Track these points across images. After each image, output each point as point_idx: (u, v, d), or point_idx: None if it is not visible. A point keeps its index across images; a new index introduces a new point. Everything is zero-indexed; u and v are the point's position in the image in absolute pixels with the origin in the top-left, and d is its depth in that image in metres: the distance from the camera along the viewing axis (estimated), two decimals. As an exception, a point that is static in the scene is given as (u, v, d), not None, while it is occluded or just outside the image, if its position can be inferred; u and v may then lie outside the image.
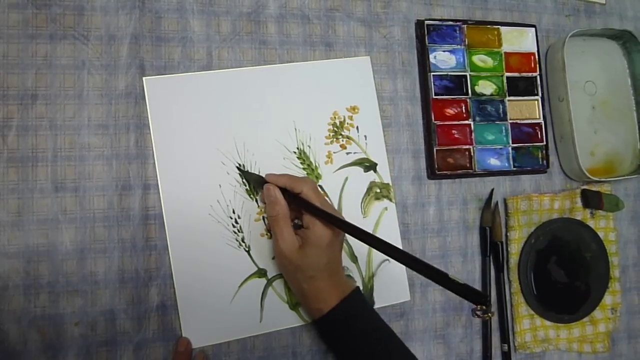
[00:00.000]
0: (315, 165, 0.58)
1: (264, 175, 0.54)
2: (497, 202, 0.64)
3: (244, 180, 0.56)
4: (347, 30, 0.62)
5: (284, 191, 0.51)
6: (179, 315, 0.53)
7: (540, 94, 0.67)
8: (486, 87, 0.65)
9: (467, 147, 0.63)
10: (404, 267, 0.60)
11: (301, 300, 0.53)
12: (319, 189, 0.52)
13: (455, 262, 0.62)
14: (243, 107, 0.57)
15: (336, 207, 0.58)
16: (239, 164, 0.55)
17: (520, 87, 0.67)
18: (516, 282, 0.63)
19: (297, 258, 0.49)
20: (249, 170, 0.55)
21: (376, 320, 0.51)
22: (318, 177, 0.58)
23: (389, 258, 0.58)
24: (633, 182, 0.71)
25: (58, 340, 0.50)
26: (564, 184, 0.68)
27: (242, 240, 0.55)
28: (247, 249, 0.55)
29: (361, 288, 0.58)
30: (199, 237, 0.54)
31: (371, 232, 0.59)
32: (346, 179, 0.59)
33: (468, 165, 0.63)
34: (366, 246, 0.58)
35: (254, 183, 0.55)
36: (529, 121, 0.66)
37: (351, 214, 0.59)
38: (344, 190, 0.59)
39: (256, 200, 0.56)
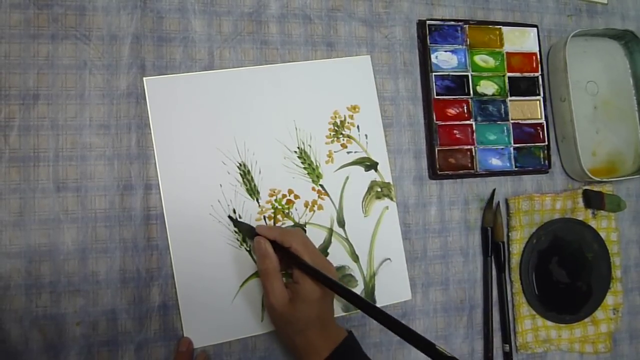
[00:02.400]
0: (316, 165, 0.58)
1: (254, 227, 0.54)
2: (498, 202, 0.64)
3: (244, 180, 0.56)
4: (349, 30, 0.62)
5: (275, 244, 0.50)
6: (180, 315, 0.53)
7: (542, 94, 0.67)
8: (488, 87, 0.65)
9: (468, 147, 0.63)
10: (405, 266, 0.60)
11: (293, 353, 0.52)
12: (309, 240, 0.52)
13: (457, 262, 0.62)
14: (244, 106, 0.57)
15: (337, 207, 0.58)
16: (232, 214, 0.55)
17: (522, 87, 0.66)
18: (518, 283, 0.63)
19: (287, 312, 0.48)
20: (240, 220, 0.55)
21: None
22: (319, 176, 0.58)
23: (390, 257, 0.59)
24: (635, 182, 0.71)
25: (59, 340, 0.50)
26: (565, 184, 0.68)
27: (243, 239, 0.55)
28: (248, 249, 0.55)
29: (362, 287, 0.58)
30: (200, 237, 0.54)
31: (372, 231, 0.59)
32: (347, 178, 0.59)
33: (469, 165, 0.63)
34: (367, 245, 0.58)
35: (245, 233, 0.55)
36: (531, 121, 0.66)
37: (352, 213, 0.59)
38: (344, 190, 0.59)
39: (257, 200, 0.56)
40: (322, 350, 0.48)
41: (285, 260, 0.51)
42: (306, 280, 0.48)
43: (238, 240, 0.55)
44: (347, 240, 0.58)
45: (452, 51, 0.64)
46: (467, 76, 0.64)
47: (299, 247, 0.49)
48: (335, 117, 0.60)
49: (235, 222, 0.55)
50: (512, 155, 0.65)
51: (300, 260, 0.49)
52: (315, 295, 0.48)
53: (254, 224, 0.56)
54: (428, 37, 0.63)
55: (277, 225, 0.56)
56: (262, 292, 0.55)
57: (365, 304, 0.47)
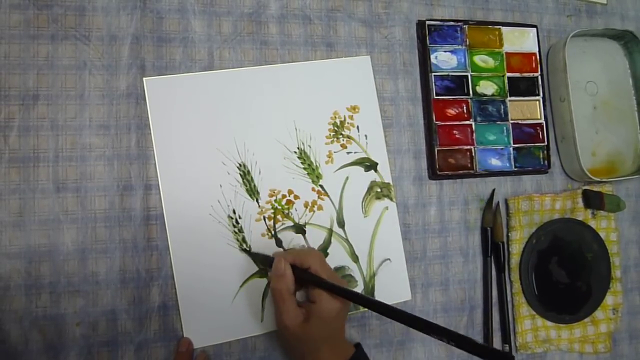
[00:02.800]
0: (316, 165, 0.58)
1: (272, 254, 0.54)
2: (498, 203, 0.64)
3: (244, 180, 0.56)
4: (348, 31, 0.62)
5: (292, 266, 0.50)
6: (180, 315, 0.53)
7: (541, 94, 0.67)
8: (487, 88, 0.65)
9: (468, 147, 0.63)
10: (405, 266, 0.60)
11: None
12: (325, 260, 0.52)
13: (456, 262, 0.62)
14: (243, 107, 0.57)
15: (337, 207, 0.58)
16: (248, 248, 0.55)
17: (522, 87, 0.67)
18: (517, 283, 0.63)
19: (301, 332, 0.48)
20: (255, 252, 0.55)
21: None
22: (319, 176, 0.58)
23: (390, 258, 0.59)
24: (634, 182, 0.71)
25: (59, 340, 0.50)
26: (565, 184, 0.68)
27: (243, 240, 0.55)
28: (248, 249, 0.55)
29: (362, 288, 0.58)
30: (200, 238, 0.54)
31: (372, 231, 0.59)
32: (347, 178, 0.59)
33: (469, 165, 0.63)
34: (367, 246, 0.58)
35: (261, 262, 0.55)
36: (530, 121, 0.66)
37: (352, 214, 0.59)
38: (344, 190, 0.59)
39: (257, 200, 0.56)
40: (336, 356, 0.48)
41: (301, 282, 0.51)
42: (323, 298, 0.48)
43: (238, 240, 0.55)
44: (346, 240, 0.58)
45: (451, 51, 0.64)
46: (467, 76, 0.64)
47: (317, 267, 0.49)
48: (335, 117, 0.60)
49: (251, 255, 0.55)
50: (511, 156, 0.65)
51: (319, 279, 0.49)
52: (332, 314, 0.48)
53: (254, 224, 0.56)
54: (428, 38, 0.63)
55: (277, 224, 0.56)
56: (262, 292, 0.55)
57: (396, 312, 0.47)
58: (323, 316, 0.48)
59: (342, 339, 0.52)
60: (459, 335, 0.42)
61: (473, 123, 0.64)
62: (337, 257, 0.57)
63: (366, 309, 0.58)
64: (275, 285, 0.49)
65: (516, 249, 0.63)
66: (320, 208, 0.58)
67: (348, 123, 0.60)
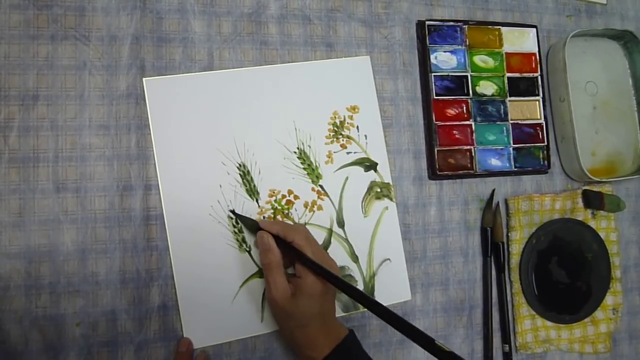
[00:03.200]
0: (316, 165, 0.58)
1: (257, 221, 0.54)
2: (498, 203, 0.64)
3: (244, 180, 0.56)
4: (348, 31, 0.62)
5: (277, 239, 0.51)
6: (180, 315, 0.53)
7: (541, 94, 0.67)
8: (487, 88, 0.65)
9: (468, 147, 0.63)
10: (404, 266, 0.60)
11: (293, 348, 0.53)
12: (312, 236, 0.52)
13: (456, 262, 0.62)
14: (243, 107, 0.57)
15: (337, 207, 0.58)
16: (232, 210, 0.55)
17: (521, 87, 0.67)
18: (517, 283, 0.63)
19: (289, 306, 0.48)
20: (243, 215, 0.55)
21: None
22: (318, 176, 0.58)
23: (390, 258, 0.59)
24: (634, 182, 0.71)
25: (59, 340, 0.50)
26: (565, 185, 0.68)
27: (243, 240, 0.55)
28: (247, 249, 0.55)
29: (362, 288, 0.58)
30: (199, 238, 0.54)
31: (372, 231, 0.59)
32: (347, 178, 0.59)
33: (469, 165, 0.63)
34: (367, 246, 0.58)
35: (248, 228, 0.55)
36: (530, 121, 0.66)
37: (352, 214, 0.59)
38: (344, 190, 0.59)
39: (256, 200, 0.56)
40: (322, 346, 0.48)
41: (288, 255, 0.51)
42: (308, 274, 0.48)
43: (238, 240, 0.55)
44: (346, 240, 0.58)
45: (451, 51, 0.64)
46: (467, 76, 0.64)
47: (301, 242, 0.49)
48: (335, 117, 0.60)
49: (238, 216, 0.55)
50: (511, 156, 0.65)
51: (302, 255, 0.49)
52: (317, 291, 0.48)
53: (254, 223, 0.56)
54: (427, 38, 0.64)
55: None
56: (262, 292, 0.55)
57: (366, 299, 0.47)
58: (309, 292, 0.48)
59: (332, 319, 0.51)
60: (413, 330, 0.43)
61: (473, 123, 0.64)
62: (337, 257, 0.57)
63: (366, 309, 0.58)
64: (263, 259, 0.50)
65: (516, 249, 0.64)
66: (320, 208, 0.58)
67: (348, 123, 0.60)
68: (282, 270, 0.50)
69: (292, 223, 0.56)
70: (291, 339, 0.51)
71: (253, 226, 0.54)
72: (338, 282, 0.48)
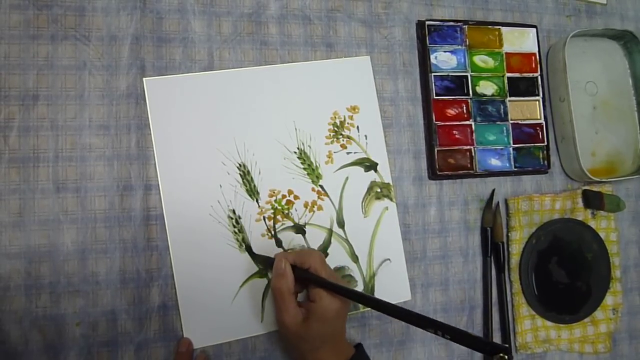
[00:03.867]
0: (316, 165, 0.58)
1: (273, 255, 0.54)
2: (498, 203, 0.64)
3: (244, 180, 0.56)
4: (348, 31, 0.62)
5: (293, 266, 0.51)
6: (180, 315, 0.53)
7: (541, 94, 0.67)
8: (487, 88, 0.65)
9: (468, 147, 0.63)
10: (404, 266, 0.60)
11: None
12: (326, 261, 0.52)
13: (456, 262, 0.62)
14: (243, 107, 0.57)
15: (337, 207, 0.58)
16: (248, 248, 0.55)
17: (521, 87, 0.67)
18: (517, 283, 0.63)
19: (301, 330, 0.48)
20: (257, 253, 0.55)
21: None
22: (318, 176, 0.58)
23: (389, 258, 0.59)
24: (634, 182, 0.71)
25: (59, 340, 0.50)
26: (565, 185, 0.68)
27: (243, 240, 0.55)
28: (248, 249, 0.55)
29: (362, 288, 0.58)
30: (199, 238, 0.54)
31: (372, 231, 0.59)
32: (347, 178, 0.59)
33: (469, 165, 0.63)
34: (367, 246, 0.58)
35: (261, 264, 0.55)
36: (530, 121, 0.66)
37: (352, 214, 0.59)
38: (344, 190, 0.59)
39: (257, 200, 0.56)
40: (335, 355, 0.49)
41: (302, 282, 0.51)
42: (323, 297, 0.49)
43: (238, 240, 0.55)
44: (346, 240, 0.58)
45: (451, 52, 0.64)
46: (467, 76, 0.64)
47: (317, 266, 0.50)
48: (335, 117, 0.60)
49: (253, 256, 0.55)
50: (511, 156, 0.65)
51: (319, 278, 0.49)
52: (331, 313, 0.49)
53: (254, 224, 0.56)
54: (427, 38, 0.64)
55: (277, 225, 0.56)
56: (262, 292, 0.55)
57: (399, 311, 0.47)
58: (323, 315, 0.48)
59: (342, 339, 0.52)
60: (456, 329, 0.42)
61: (473, 123, 0.64)
62: (337, 257, 0.58)
63: (366, 309, 0.58)
64: (275, 284, 0.50)
65: (516, 249, 0.64)
66: (320, 208, 0.58)
67: (348, 123, 0.60)
68: (293, 296, 0.50)
69: (305, 249, 0.57)
70: None
71: (266, 262, 0.55)
72: (358, 296, 0.50)
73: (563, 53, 0.64)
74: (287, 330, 0.49)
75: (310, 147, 0.59)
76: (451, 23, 0.65)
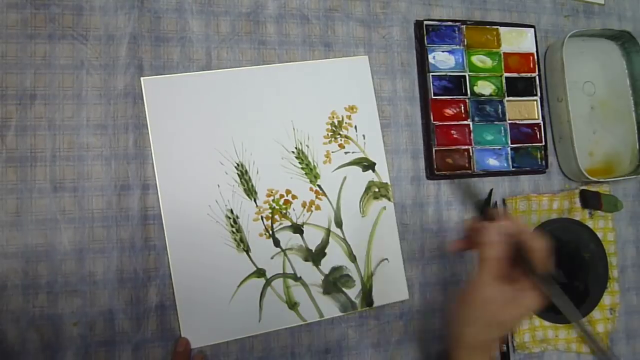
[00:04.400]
0: (314, 165, 0.58)
1: (492, 210, 0.49)
2: (496, 203, 0.64)
3: (241, 180, 0.56)
4: (346, 31, 0.62)
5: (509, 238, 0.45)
6: (177, 315, 0.53)
7: (539, 94, 0.67)
8: (485, 88, 0.65)
9: (466, 147, 0.63)
10: (402, 266, 0.60)
11: (452, 339, 0.47)
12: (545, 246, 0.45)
13: (455, 262, 0.62)
14: (241, 107, 0.57)
15: (334, 207, 0.58)
16: (246, 248, 0.54)
17: (519, 87, 0.67)
18: (515, 282, 0.63)
19: (482, 306, 0.44)
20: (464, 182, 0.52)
21: None
22: (316, 176, 0.58)
23: (387, 257, 0.59)
24: (632, 182, 0.71)
25: (56, 340, 0.50)
26: (562, 185, 0.68)
27: (241, 240, 0.55)
28: (245, 249, 0.55)
29: (360, 287, 0.58)
30: (197, 237, 0.54)
31: (370, 231, 0.59)
32: (344, 178, 0.59)
33: (467, 165, 0.63)
34: (365, 246, 0.58)
35: (470, 198, 0.53)
36: (528, 121, 0.66)
37: (350, 214, 0.59)
38: (342, 190, 0.59)
39: (254, 200, 0.56)
40: (480, 355, 0.45)
41: (516, 260, 0.45)
42: (528, 290, 0.45)
43: (236, 240, 0.55)
44: (344, 240, 0.58)
45: (449, 51, 0.64)
46: (465, 76, 0.64)
47: (539, 255, 0.45)
48: (333, 117, 0.60)
49: (462, 184, 0.54)
50: (509, 156, 0.65)
51: (538, 272, 0.45)
52: (523, 307, 0.45)
53: (251, 224, 0.56)
54: (425, 38, 0.64)
55: (274, 224, 0.56)
56: (260, 292, 0.55)
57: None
58: (515, 302, 0.44)
59: (495, 347, 0.48)
60: None
61: (471, 123, 0.64)
62: (334, 257, 0.58)
63: (364, 309, 0.58)
64: (483, 252, 0.45)
65: (514, 249, 0.63)
66: (318, 208, 0.58)
67: (346, 123, 0.60)
68: (496, 270, 0.44)
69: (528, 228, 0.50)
70: (458, 331, 0.46)
71: (478, 203, 0.51)
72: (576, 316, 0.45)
73: (561, 53, 0.64)
74: (473, 299, 0.45)
75: (308, 147, 0.58)
76: (449, 23, 0.65)
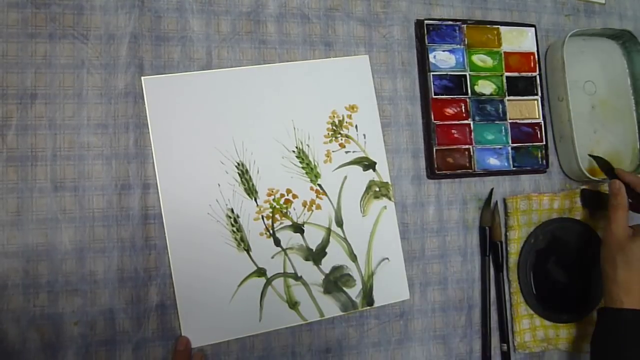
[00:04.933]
0: (314, 164, 0.58)
1: (615, 168, 0.62)
2: (496, 202, 0.64)
3: (242, 179, 0.56)
4: (347, 30, 0.62)
5: (630, 189, 0.59)
6: (178, 314, 0.53)
7: (539, 93, 0.67)
8: (486, 87, 0.65)
9: (466, 146, 0.63)
10: (403, 265, 0.60)
11: (606, 283, 0.57)
12: None
13: (455, 261, 0.62)
14: (242, 106, 0.57)
15: (335, 206, 0.58)
16: (246, 247, 0.55)
17: (520, 86, 0.67)
18: (515, 282, 0.63)
19: (625, 243, 0.55)
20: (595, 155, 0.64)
21: None
22: (317, 175, 0.58)
23: (388, 257, 0.59)
24: (633, 181, 0.71)
25: (57, 339, 0.50)
26: (563, 184, 0.68)
27: (241, 239, 0.55)
28: (246, 248, 0.55)
29: (360, 287, 0.58)
30: (198, 237, 0.54)
31: (370, 230, 0.59)
32: (345, 177, 0.59)
33: (467, 164, 0.63)
34: (365, 245, 0.58)
35: (600, 167, 0.63)
36: (529, 121, 0.66)
37: (350, 213, 0.59)
38: (343, 189, 0.59)
39: (255, 199, 0.56)
40: (637, 297, 0.53)
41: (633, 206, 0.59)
42: None
43: (236, 239, 0.55)
44: (345, 240, 0.58)
45: (450, 51, 0.64)
46: (465, 76, 0.64)
47: None
48: (334, 116, 0.60)
49: (596, 158, 0.64)
50: (510, 155, 0.65)
51: None
52: None
53: (252, 223, 0.56)
54: (426, 37, 0.63)
55: (275, 224, 0.56)
56: (260, 291, 0.55)
57: None
58: None
59: None
60: None
61: (471, 122, 0.64)
62: (335, 256, 0.58)
63: (365, 308, 0.58)
64: (611, 200, 0.58)
65: (514, 248, 0.64)
66: (318, 207, 0.58)
67: (346, 122, 0.60)
68: (626, 214, 0.57)
69: None
70: (611, 274, 0.56)
71: (605, 167, 0.63)
72: None
73: (562, 52, 0.64)
74: (613, 239, 0.56)
75: (308, 146, 0.58)
76: (450, 22, 0.65)
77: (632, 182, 0.59)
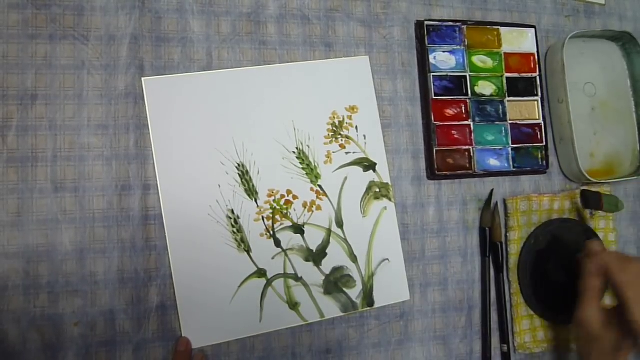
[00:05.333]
0: (315, 165, 0.58)
1: (593, 244, 0.56)
2: (496, 203, 0.64)
3: (242, 180, 0.56)
4: (347, 31, 0.62)
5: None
6: (178, 315, 0.53)
7: (539, 94, 0.67)
8: (486, 88, 0.65)
9: (466, 147, 0.63)
10: (403, 266, 0.60)
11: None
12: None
13: (455, 262, 0.62)
14: (242, 107, 0.57)
15: (335, 207, 0.58)
16: (247, 248, 0.55)
17: (520, 87, 0.67)
18: (516, 283, 0.63)
19: (598, 331, 0.50)
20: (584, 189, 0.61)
21: None
22: (317, 176, 0.58)
23: (388, 258, 0.59)
24: (633, 183, 0.71)
25: (57, 340, 0.50)
26: (563, 185, 0.68)
27: (242, 240, 0.55)
28: (246, 249, 0.55)
29: (361, 288, 0.58)
30: (198, 238, 0.54)
31: (371, 231, 0.59)
32: (345, 178, 0.59)
33: (468, 165, 0.63)
34: (366, 246, 0.58)
35: (586, 201, 0.62)
36: (529, 122, 0.66)
37: (351, 214, 0.59)
38: (343, 190, 0.59)
39: (255, 200, 0.56)
40: None
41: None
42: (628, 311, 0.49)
43: (237, 240, 0.55)
44: (345, 240, 0.58)
45: (450, 52, 0.64)
46: (465, 77, 0.64)
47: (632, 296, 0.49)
48: (334, 117, 0.60)
49: (586, 192, 0.62)
50: (510, 156, 0.65)
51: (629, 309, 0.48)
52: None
53: (252, 224, 0.56)
54: (426, 38, 0.64)
55: (275, 224, 0.56)
56: (260, 292, 0.55)
57: None
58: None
59: None
60: None
61: (472, 123, 0.64)
62: (335, 257, 0.58)
63: (365, 309, 0.58)
64: (584, 282, 0.53)
65: (515, 249, 0.64)
66: (318, 208, 0.58)
67: (347, 123, 0.60)
68: (599, 298, 0.52)
69: (629, 256, 0.53)
70: (579, 350, 0.54)
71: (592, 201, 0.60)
72: None
73: (562, 54, 0.64)
74: (586, 326, 0.51)
75: (309, 147, 0.59)
76: (450, 23, 0.65)
77: (610, 266, 0.51)
